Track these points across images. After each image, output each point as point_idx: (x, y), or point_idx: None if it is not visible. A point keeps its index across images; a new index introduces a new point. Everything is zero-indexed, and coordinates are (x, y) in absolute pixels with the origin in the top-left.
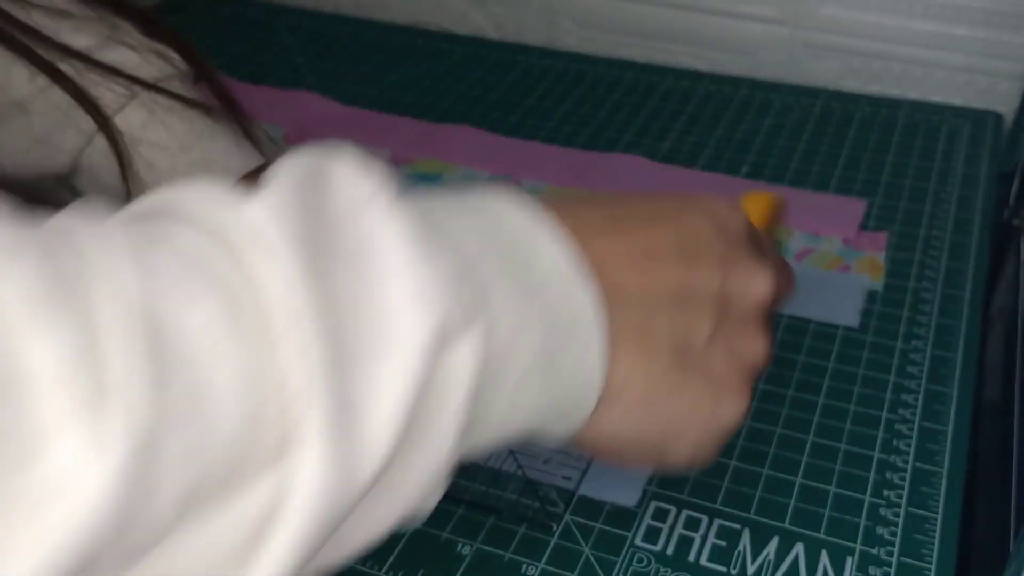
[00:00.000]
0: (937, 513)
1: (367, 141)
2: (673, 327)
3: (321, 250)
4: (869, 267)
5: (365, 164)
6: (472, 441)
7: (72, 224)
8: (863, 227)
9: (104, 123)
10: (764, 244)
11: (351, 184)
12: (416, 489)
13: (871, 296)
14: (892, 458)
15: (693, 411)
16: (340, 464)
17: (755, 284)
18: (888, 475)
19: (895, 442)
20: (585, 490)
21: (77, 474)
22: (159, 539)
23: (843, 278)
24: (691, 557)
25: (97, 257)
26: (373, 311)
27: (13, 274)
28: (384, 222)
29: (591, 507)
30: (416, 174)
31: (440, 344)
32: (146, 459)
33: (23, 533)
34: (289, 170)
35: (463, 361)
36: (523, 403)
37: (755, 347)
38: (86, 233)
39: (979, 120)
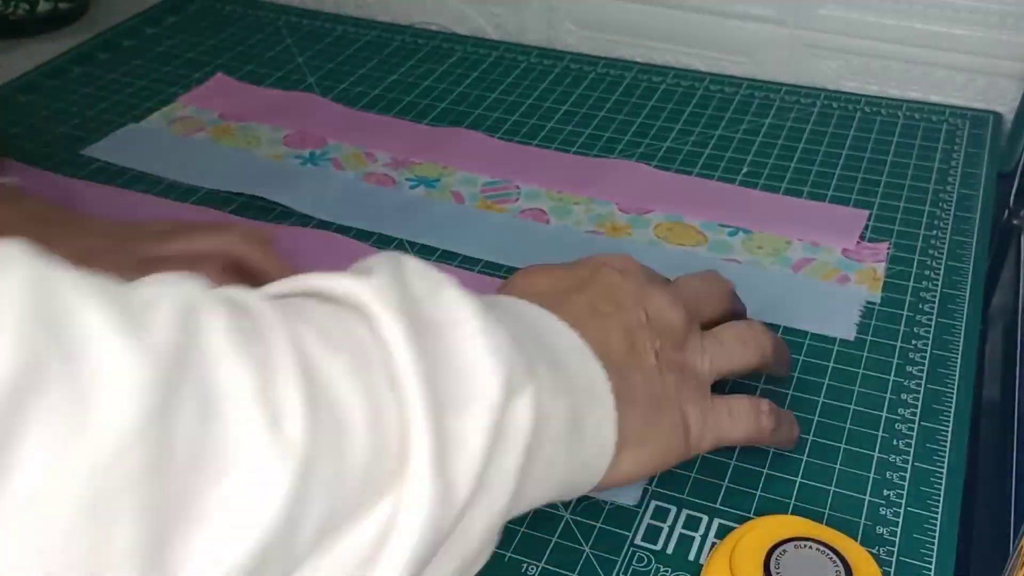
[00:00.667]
0: (937, 513)
1: (366, 143)
2: (637, 371)
3: (416, 319)
4: (868, 279)
5: (426, 264)
6: (519, 499)
7: (233, 293)
8: (863, 231)
9: None
10: (659, 278)
11: (423, 275)
12: (476, 537)
13: (871, 296)
14: (892, 457)
15: (673, 432)
16: (442, 491)
17: (669, 306)
18: (888, 474)
19: (895, 441)
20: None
21: (263, 483)
22: (301, 558)
23: (841, 290)
24: (691, 556)
25: (267, 320)
26: (460, 363)
27: (212, 322)
28: (456, 300)
29: (591, 507)
30: (415, 177)
31: (508, 395)
32: (305, 481)
33: (220, 530)
34: (379, 263)
35: (523, 413)
36: (558, 462)
37: (700, 358)
38: (247, 298)
39: (979, 120)
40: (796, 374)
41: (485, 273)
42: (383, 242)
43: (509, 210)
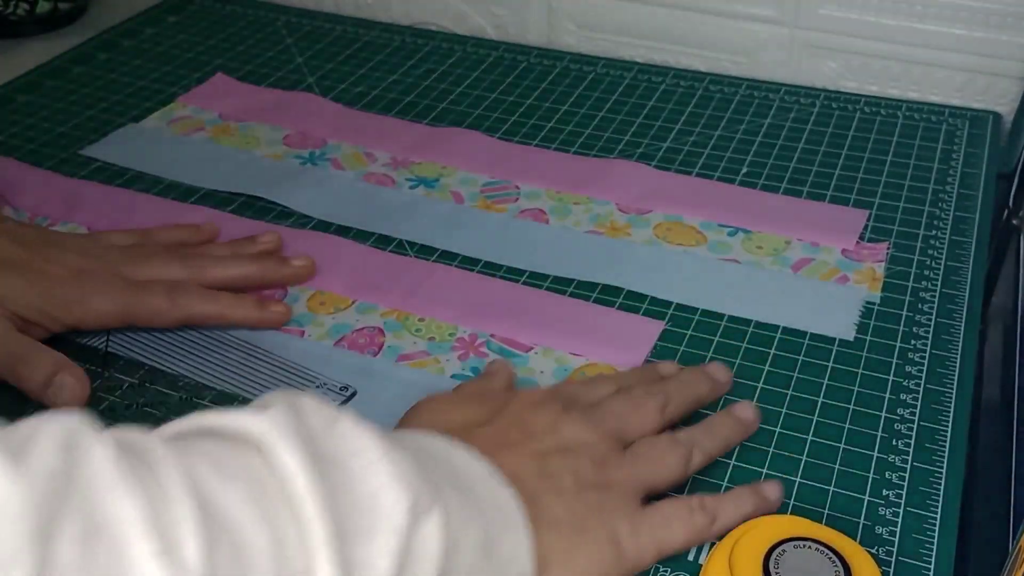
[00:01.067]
0: (936, 512)
1: (366, 144)
2: (552, 493)
3: (315, 449)
4: (868, 279)
5: (321, 401)
6: None
7: (121, 431)
8: (862, 231)
9: None
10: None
11: (318, 410)
12: None
13: (871, 297)
14: (891, 457)
15: (601, 550)
16: None
17: (583, 429)
18: (887, 474)
19: (894, 441)
20: None
21: None
22: None
23: (840, 290)
24: (690, 556)
25: (156, 453)
26: (362, 491)
27: (97, 452)
28: (355, 431)
29: None
30: (415, 177)
31: (415, 519)
32: None
33: None
34: (276, 399)
35: (431, 536)
36: None
37: (622, 473)
38: (134, 435)
39: (978, 120)
40: (796, 374)
41: (485, 273)
42: (382, 242)
43: (509, 210)
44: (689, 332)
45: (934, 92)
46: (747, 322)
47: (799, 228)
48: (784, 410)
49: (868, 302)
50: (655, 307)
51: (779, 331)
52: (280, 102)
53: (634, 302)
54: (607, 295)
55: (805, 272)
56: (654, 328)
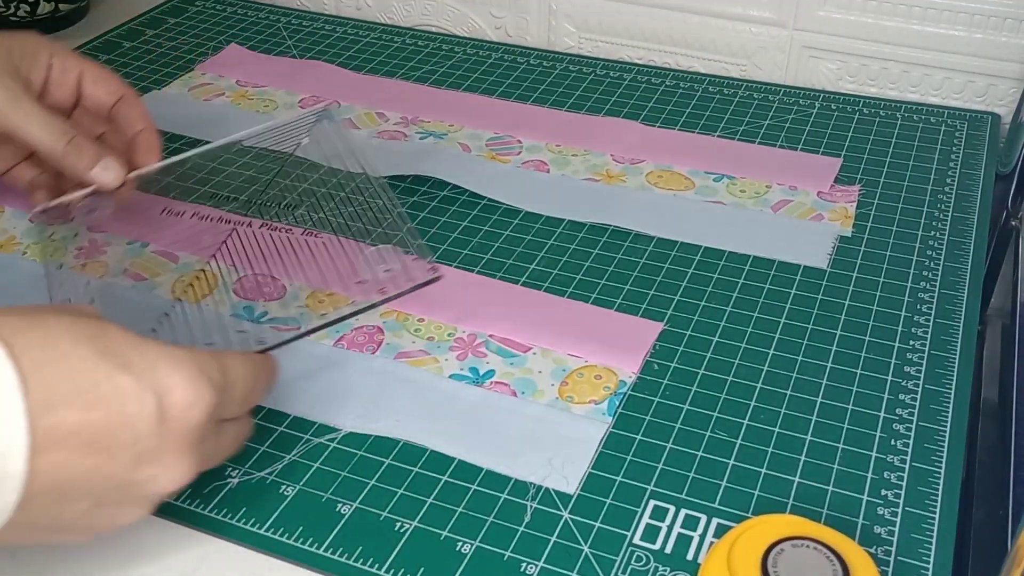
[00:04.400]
0: (935, 512)
1: (378, 105)
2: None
3: None
4: (841, 216)
5: None
6: None
7: None
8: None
9: None
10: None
11: None
12: None
13: (870, 298)
14: (890, 457)
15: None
16: None
17: (163, 478)
18: (886, 474)
19: (893, 441)
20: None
21: None
22: None
23: (816, 226)
24: (689, 555)
25: None
26: None
27: None
28: None
29: (591, 506)
30: (425, 131)
31: None
32: None
33: None
34: None
35: None
36: None
37: (125, 517)
38: None
39: (977, 121)
40: (795, 374)
41: (484, 273)
42: (396, 179)
43: (512, 161)
44: (688, 332)
45: (933, 93)
46: (747, 321)
47: (778, 174)
48: (783, 410)
49: (843, 237)
50: (654, 307)
51: (778, 330)
52: (293, 70)
53: (633, 302)
54: (606, 295)
55: (784, 212)
56: (653, 329)
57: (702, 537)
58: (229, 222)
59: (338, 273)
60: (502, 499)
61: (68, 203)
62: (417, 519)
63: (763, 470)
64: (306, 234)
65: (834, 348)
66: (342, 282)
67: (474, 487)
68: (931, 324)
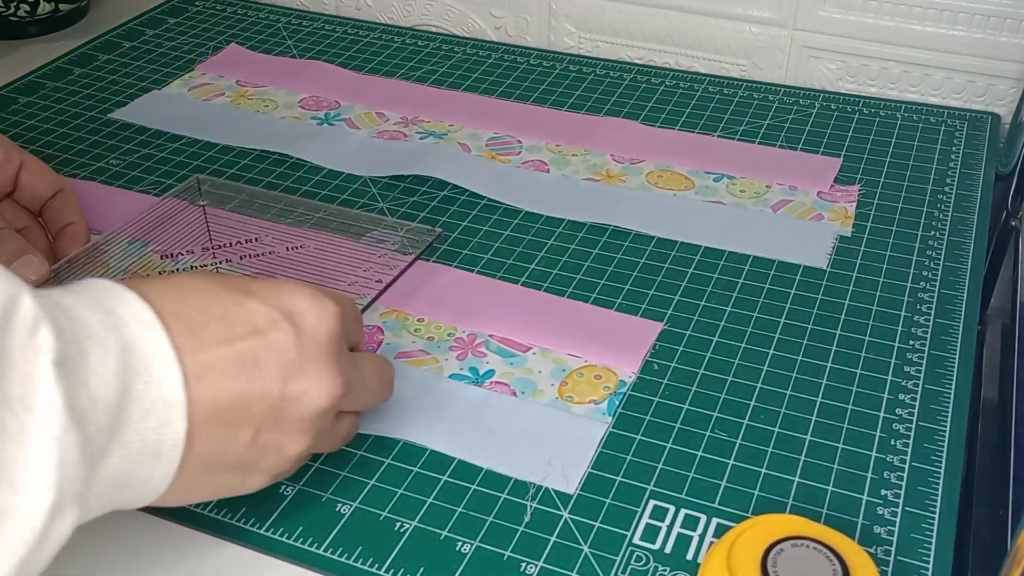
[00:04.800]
0: (934, 512)
1: (378, 105)
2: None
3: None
4: (841, 216)
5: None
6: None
7: None
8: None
9: None
10: (345, 347)
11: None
12: None
13: (870, 298)
14: (890, 457)
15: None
16: None
17: (314, 392)
18: (886, 474)
19: (893, 441)
20: None
21: None
22: None
23: (816, 225)
24: (689, 555)
25: None
26: (7, 457)
27: None
28: (44, 383)
29: (591, 506)
30: (424, 131)
31: (52, 516)
32: None
33: None
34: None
35: (60, 532)
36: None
37: (291, 447)
38: None
39: (977, 121)
40: (795, 374)
41: (484, 273)
42: (396, 179)
43: (512, 161)
44: (688, 332)
45: (933, 93)
46: (747, 321)
47: (778, 174)
48: (783, 410)
49: (842, 237)
50: (654, 307)
51: (778, 330)
52: (293, 69)
53: (633, 302)
54: (606, 295)
55: (784, 211)
56: (652, 329)
57: (702, 537)
58: (230, 222)
59: (339, 271)
60: (502, 499)
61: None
62: (417, 519)
63: (763, 470)
64: (307, 234)
65: (834, 348)
66: (344, 280)
67: (474, 487)
68: (931, 324)
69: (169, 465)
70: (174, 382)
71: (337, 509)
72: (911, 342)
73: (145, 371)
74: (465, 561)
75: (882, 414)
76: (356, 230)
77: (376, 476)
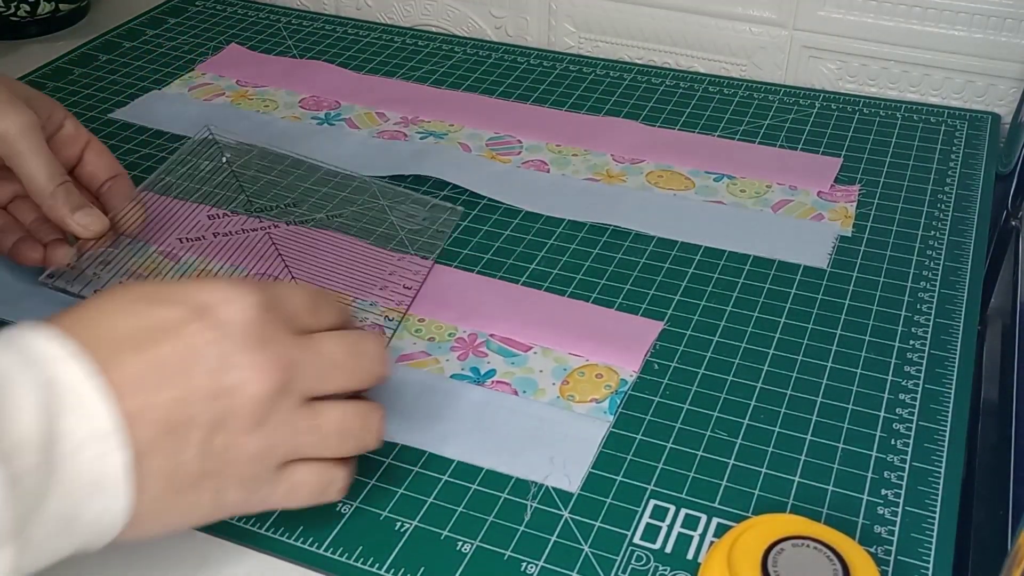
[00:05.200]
0: (935, 512)
1: (378, 105)
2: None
3: None
4: (841, 216)
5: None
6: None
7: None
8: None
9: None
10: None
11: None
12: None
13: (870, 298)
14: (890, 457)
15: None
16: None
17: (249, 380)
18: (886, 474)
19: (893, 441)
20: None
21: None
22: None
23: (816, 225)
24: (689, 555)
25: None
26: None
27: None
28: None
29: (591, 506)
30: (425, 131)
31: None
32: None
33: None
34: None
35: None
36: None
37: (251, 444)
38: None
39: (977, 121)
40: (795, 374)
41: (484, 273)
42: (396, 179)
43: (512, 161)
44: (689, 332)
45: (933, 93)
46: (747, 321)
47: (779, 174)
48: (783, 410)
49: (843, 237)
50: (654, 306)
51: (778, 330)
52: (293, 69)
53: (633, 302)
54: (606, 295)
55: (784, 211)
56: (653, 328)
57: (702, 537)
58: (231, 222)
59: (339, 271)
60: (502, 499)
61: (75, 265)
62: (417, 519)
63: (763, 470)
64: (308, 234)
65: (834, 348)
66: (344, 280)
67: (474, 487)
68: (931, 324)
69: (117, 499)
70: (102, 413)
71: (337, 509)
72: (911, 342)
73: (71, 406)
74: (465, 561)
75: (882, 414)
76: (385, 205)
77: (376, 476)
